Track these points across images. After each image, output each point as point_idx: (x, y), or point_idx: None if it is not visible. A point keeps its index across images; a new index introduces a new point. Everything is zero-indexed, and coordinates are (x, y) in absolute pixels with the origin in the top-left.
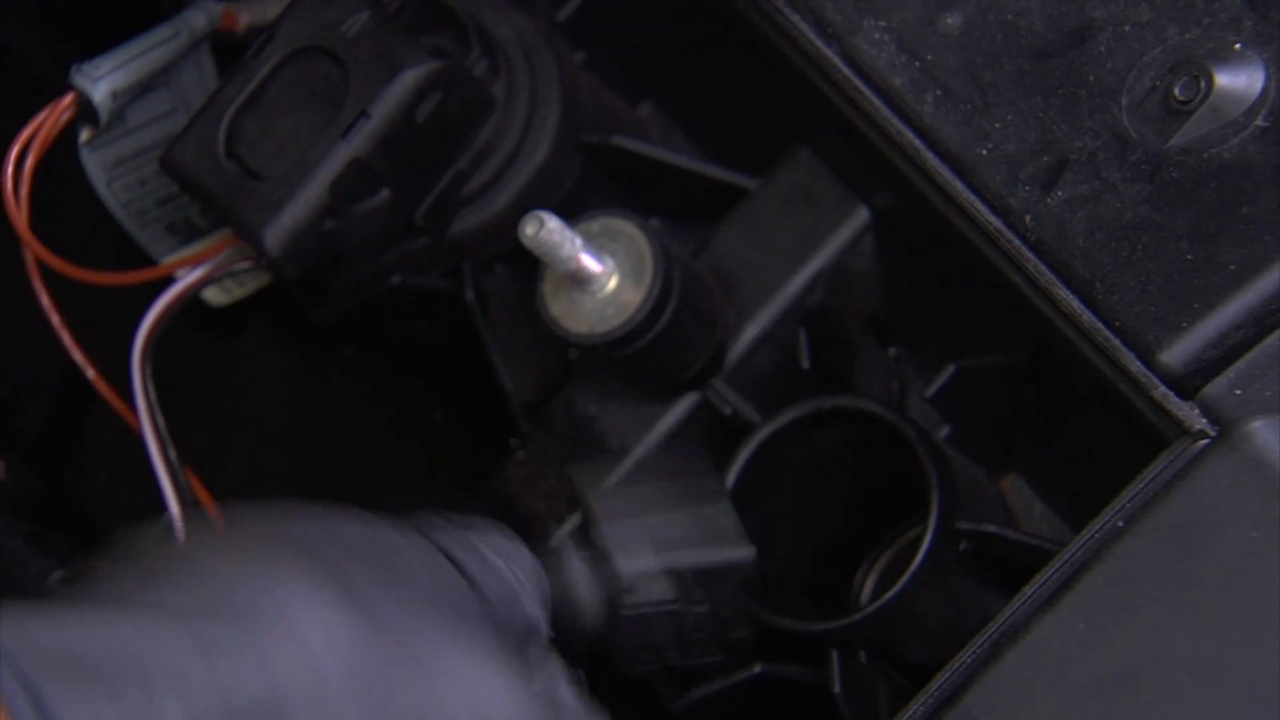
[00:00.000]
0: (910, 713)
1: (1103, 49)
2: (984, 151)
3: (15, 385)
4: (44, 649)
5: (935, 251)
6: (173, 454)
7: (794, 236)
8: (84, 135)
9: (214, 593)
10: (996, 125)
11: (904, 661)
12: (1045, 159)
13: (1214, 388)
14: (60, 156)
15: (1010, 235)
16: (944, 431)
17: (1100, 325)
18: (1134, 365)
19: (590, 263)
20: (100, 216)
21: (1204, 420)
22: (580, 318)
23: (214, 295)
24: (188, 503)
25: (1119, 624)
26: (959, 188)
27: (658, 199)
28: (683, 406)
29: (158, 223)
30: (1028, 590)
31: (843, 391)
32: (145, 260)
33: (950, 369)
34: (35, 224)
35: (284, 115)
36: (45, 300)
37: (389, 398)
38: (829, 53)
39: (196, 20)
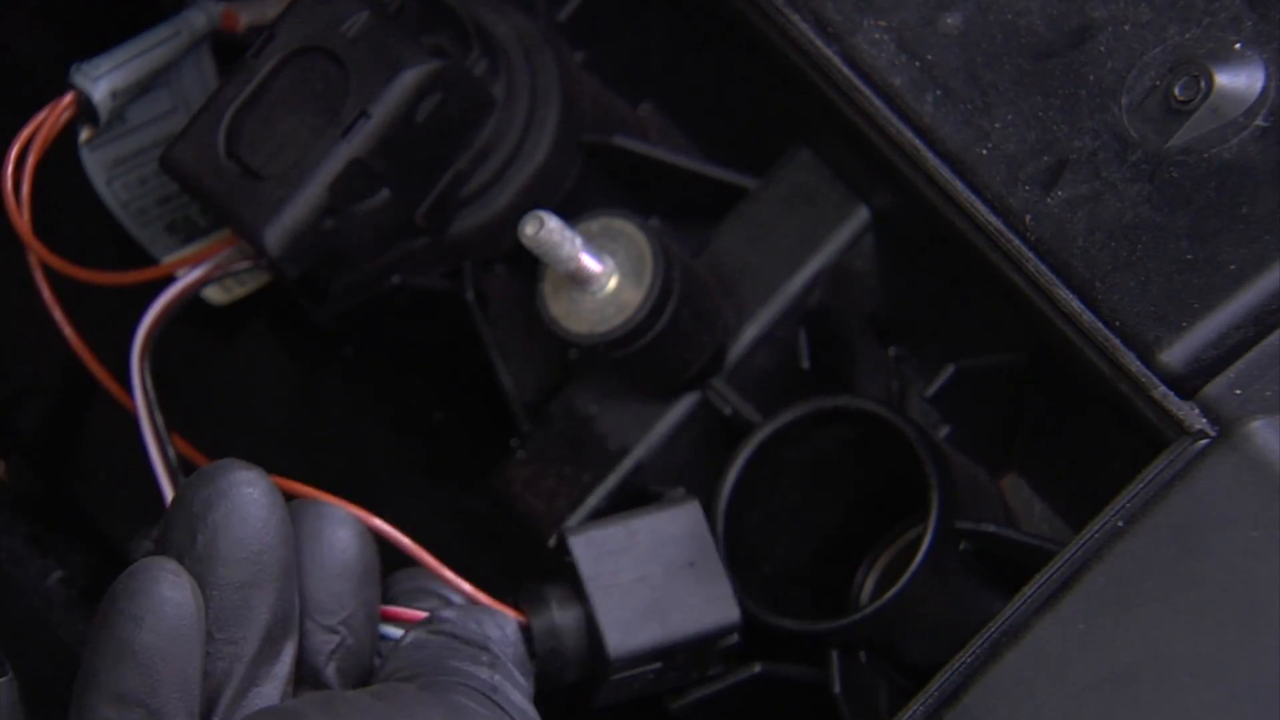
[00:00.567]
0: (910, 713)
1: (1103, 49)
2: (984, 151)
3: (15, 385)
4: None
5: (935, 251)
6: (172, 454)
7: (794, 236)
8: (84, 135)
9: None
10: (996, 125)
11: (904, 661)
12: (1045, 159)
13: (1214, 388)
14: (60, 156)
15: (1010, 235)
16: (944, 431)
17: (1100, 325)
18: (1134, 365)
19: (590, 263)
20: (100, 216)
21: (1204, 420)
22: (580, 318)
23: (214, 294)
24: None
25: (1119, 624)
26: (959, 188)
27: (658, 199)
28: (683, 406)
29: (158, 222)
30: (1028, 590)
31: (843, 391)
32: (145, 260)
33: (950, 369)
34: (35, 224)
35: (284, 115)
36: (47, 299)
37: (389, 398)
38: (829, 53)
39: (196, 20)
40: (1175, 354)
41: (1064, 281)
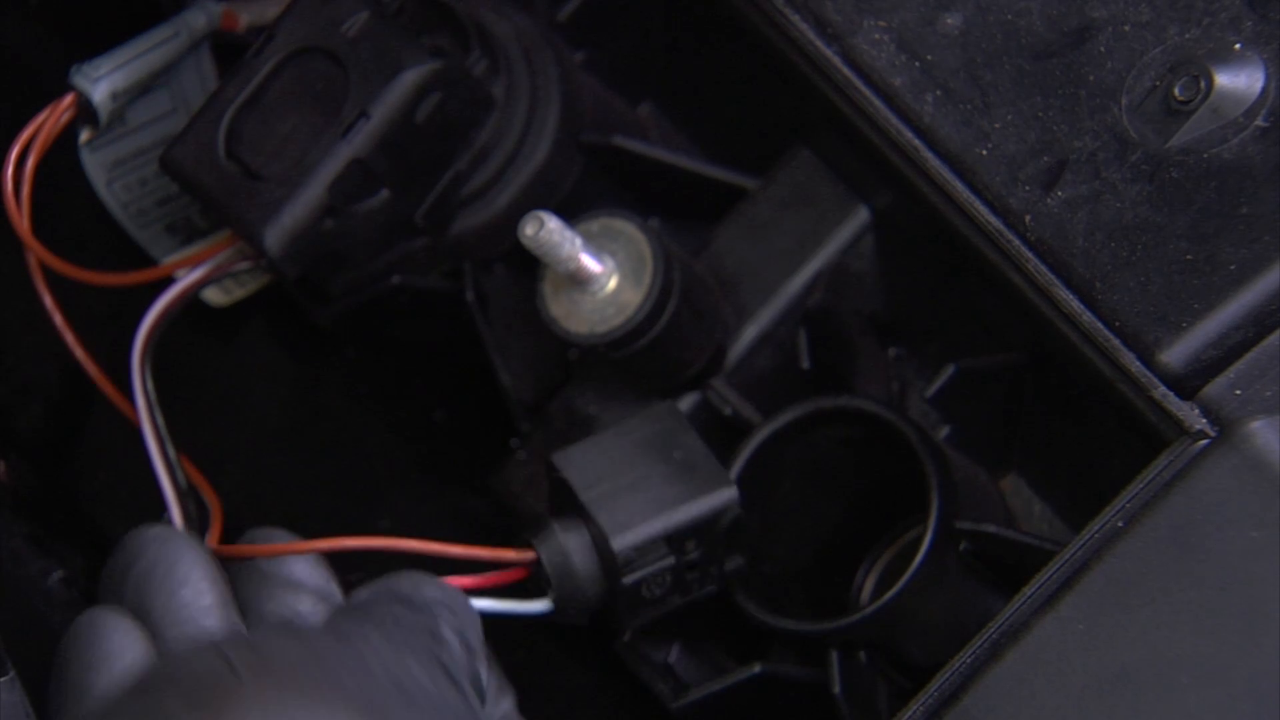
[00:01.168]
0: (910, 713)
1: (1103, 49)
2: (984, 151)
3: (15, 386)
4: None
5: (935, 252)
6: (172, 453)
7: (794, 236)
8: (84, 135)
9: None
10: (996, 125)
11: (904, 661)
12: (1045, 159)
13: (1214, 388)
14: (60, 156)
15: (1010, 235)
16: (944, 431)
17: (1100, 325)
18: (1134, 365)
19: (590, 263)
20: (100, 216)
21: (1204, 420)
22: (580, 318)
23: (214, 295)
24: (187, 503)
25: (1119, 624)
26: (959, 188)
27: (658, 199)
28: (683, 406)
29: (158, 223)
30: (1028, 590)
31: (843, 391)
32: (145, 260)
33: (950, 369)
34: (35, 224)
35: (284, 115)
36: (48, 301)
37: (389, 398)
38: (829, 53)
39: (196, 20)
40: (1175, 354)
41: (1064, 281)
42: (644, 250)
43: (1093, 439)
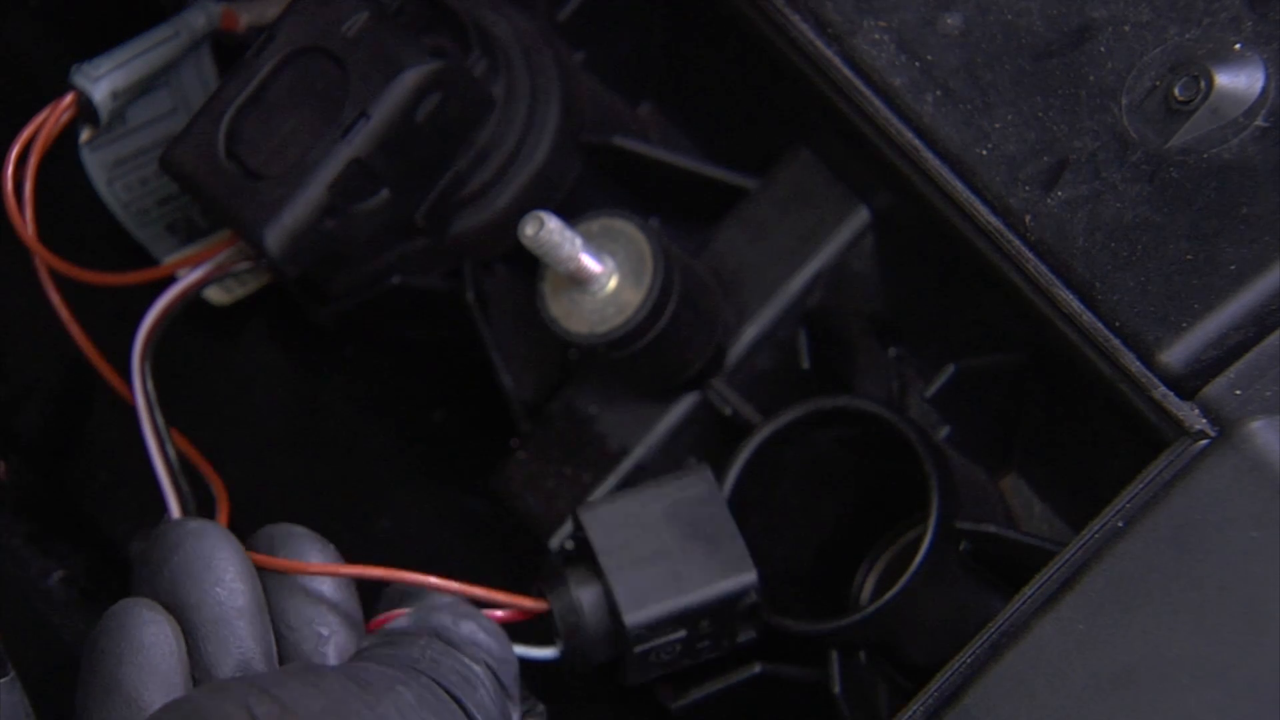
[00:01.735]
0: (910, 713)
1: (1103, 49)
2: (984, 151)
3: (16, 385)
4: None
5: (935, 251)
6: (172, 453)
7: (794, 236)
8: (84, 135)
9: None
10: (996, 125)
11: (904, 661)
12: (1045, 159)
13: (1214, 388)
14: (60, 156)
15: (1010, 235)
16: (944, 431)
17: (1100, 325)
18: (1134, 365)
19: (590, 263)
20: (100, 216)
21: (1204, 420)
22: (580, 318)
23: (215, 295)
24: (187, 501)
25: (1119, 624)
26: (959, 188)
27: (658, 199)
28: (683, 406)
29: (158, 222)
30: (1028, 590)
31: (843, 391)
32: (146, 260)
33: (950, 369)
34: (36, 224)
35: (284, 115)
36: (50, 300)
37: (389, 398)
38: (829, 53)
39: (196, 20)
40: (1175, 354)
41: (1064, 282)
42: (644, 250)
43: (1093, 439)
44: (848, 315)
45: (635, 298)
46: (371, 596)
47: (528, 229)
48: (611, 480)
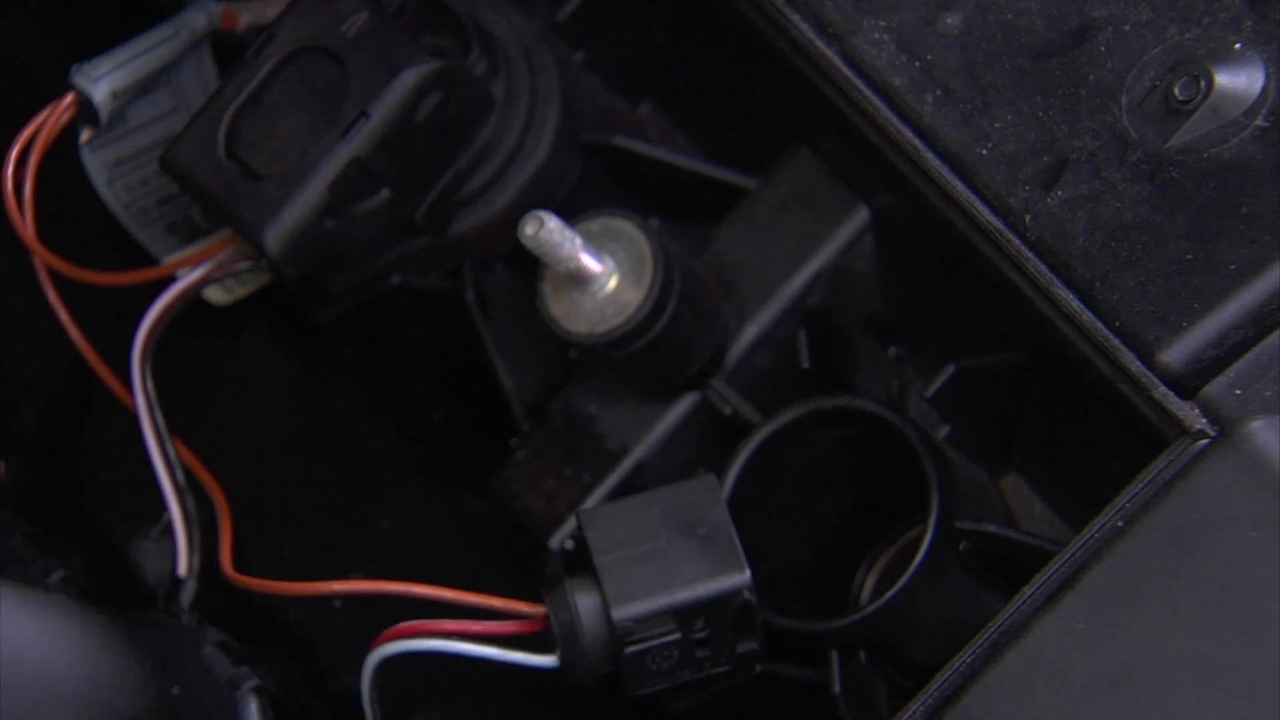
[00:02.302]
0: (910, 713)
1: (1103, 49)
2: (984, 151)
3: (16, 385)
4: None
5: (935, 251)
6: (172, 452)
7: (794, 236)
8: (84, 135)
9: None
10: (996, 125)
11: (904, 661)
12: (1045, 159)
13: (1214, 388)
14: (60, 156)
15: (1010, 235)
16: (944, 431)
17: (1100, 325)
18: (1134, 365)
19: (590, 263)
20: (100, 216)
21: (1204, 420)
22: (580, 318)
23: (215, 294)
24: (186, 501)
25: (1119, 624)
26: (959, 188)
27: (658, 199)
28: (683, 406)
29: (158, 222)
30: (1028, 590)
31: (843, 391)
32: (146, 260)
33: (950, 369)
34: (36, 224)
35: (284, 115)
36: (53, 299)
37: (389, 398)
38: (829, 53)
39: (196, 20)
40: (1175, 354)
41: (1064, 281)
42: (644, 250)
43: (1093, 439)
44: (848, 315)
45: (635, 298)
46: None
47: (528, 229)
48: (611, 480)
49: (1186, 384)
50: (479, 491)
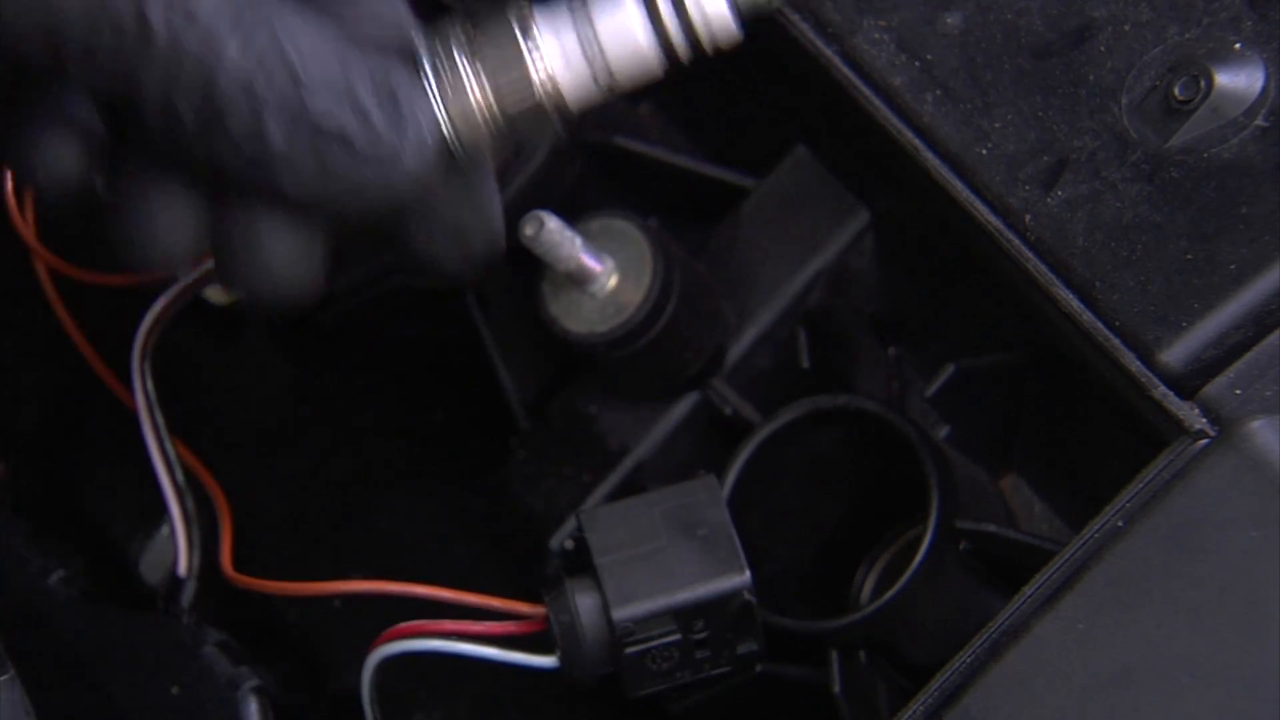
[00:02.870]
0: (910, 713)
1: (1103, 49)
2: (984, 151)
3: (16, 386)
4: None
5: (935, 251)
6: (172, 452)
7: (794, 237)
8: None
9: None
10: (996, 125)
11: (904, 661)
12: (1045, 159)
13: (1214, 388)
14: None
15: (1010, 235)
16: (944, 431)
17: (1100, 325)
18: (1134, 365)
19: (590, 263)
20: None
21: (1204, 420)
22: (580, 318)
23: (215, 295)
24: (186, 501)
25: (1119, 624)
26: (959, 188)
27: (658, 199)
28: (683, 406)
29: None
30: (1028, 590)
31: (843, 391)
32: None
33: (950, 369)
34: (36, 224)
35: None
36: (52, 301)
37: (389, 398)
38: (829, 53)
39: None
40: (1175, 354)
41: (1064, 281)
42: (644, 250)
43: (1093, 439)
44: (848, 315)
45: (635, 298)
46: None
47: (528, 229)
48: (611, 480)
49: (1186, 384)
50: (479, 491)
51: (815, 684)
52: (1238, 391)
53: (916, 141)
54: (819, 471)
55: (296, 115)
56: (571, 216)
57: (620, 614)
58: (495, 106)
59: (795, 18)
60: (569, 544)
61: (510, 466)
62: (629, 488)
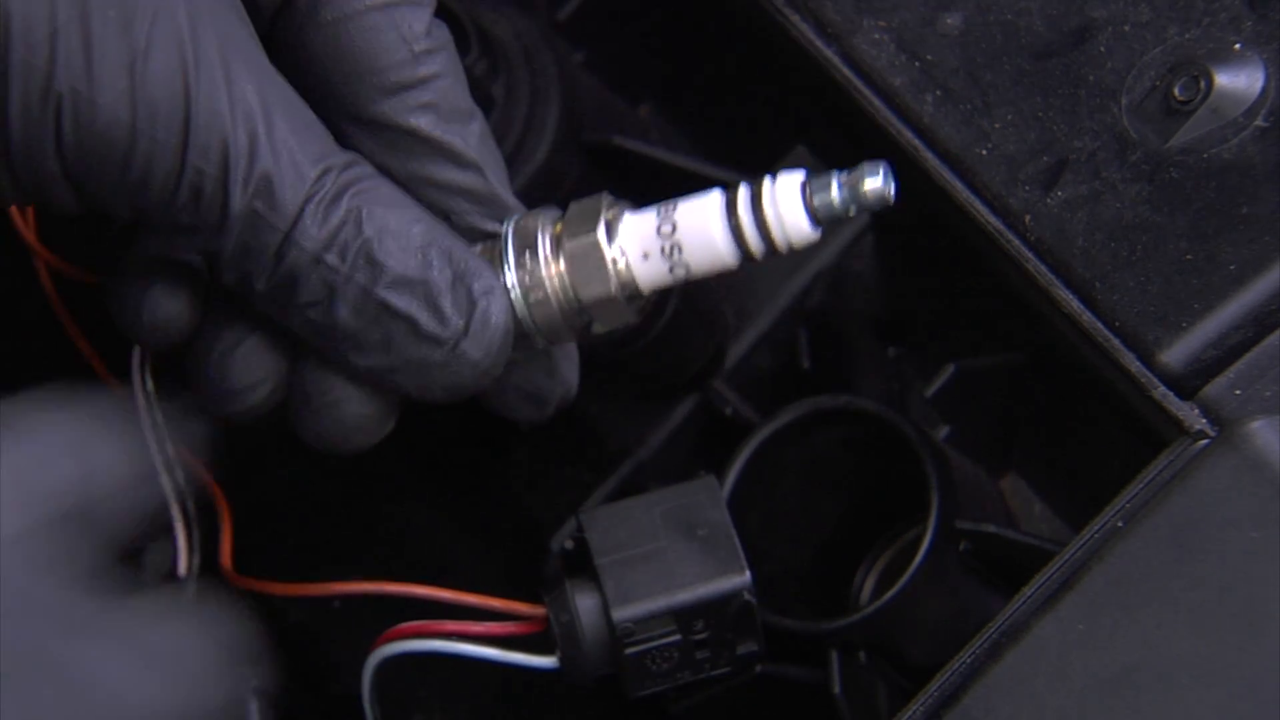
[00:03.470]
0: (910, 713)
1: (1103, 49)
2: (984, 151)
3: (16, 385)
4: None
5: (935, 252)
6: (172, 454)
7: None
8: None
9: None
10: (996, 125)
11: (904, 661)
12: (1045, 159)
13: (1214, 388)
14: None
15: (1010, 235)
16: (944, 431)
17: (1100, 325)
18: (1134, 365)
19: None
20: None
21: (1204, 420)
22: None
23: None
24: (186, 501)
25: (1119, 624)
26: (959, 188)
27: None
28: (683, 407)
29: None
30: (1028, 590)
31: (843, 391)
32: None
33: (950, 369)
34: (37, 224)
35: None
36: (52, 301)
37: None
38: (829, 53)
39: None
40: (1175, 354)
41: (1064, 281)
42: None
43: (1093, 439)
44: (848, 315)
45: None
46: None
47: None
48: (612, 480)
49: (1186, 384)
50: (479, 492)
51: (815, 684)
52: (1238, 392)
53: (916, 142)
54: (819, 471)
55: (367, 295)
56: None
57: (620, 614)
58: (574, 298)
59: (795, 18)
60: (569, 544)
61: (511, 467)
62: (629, 488)
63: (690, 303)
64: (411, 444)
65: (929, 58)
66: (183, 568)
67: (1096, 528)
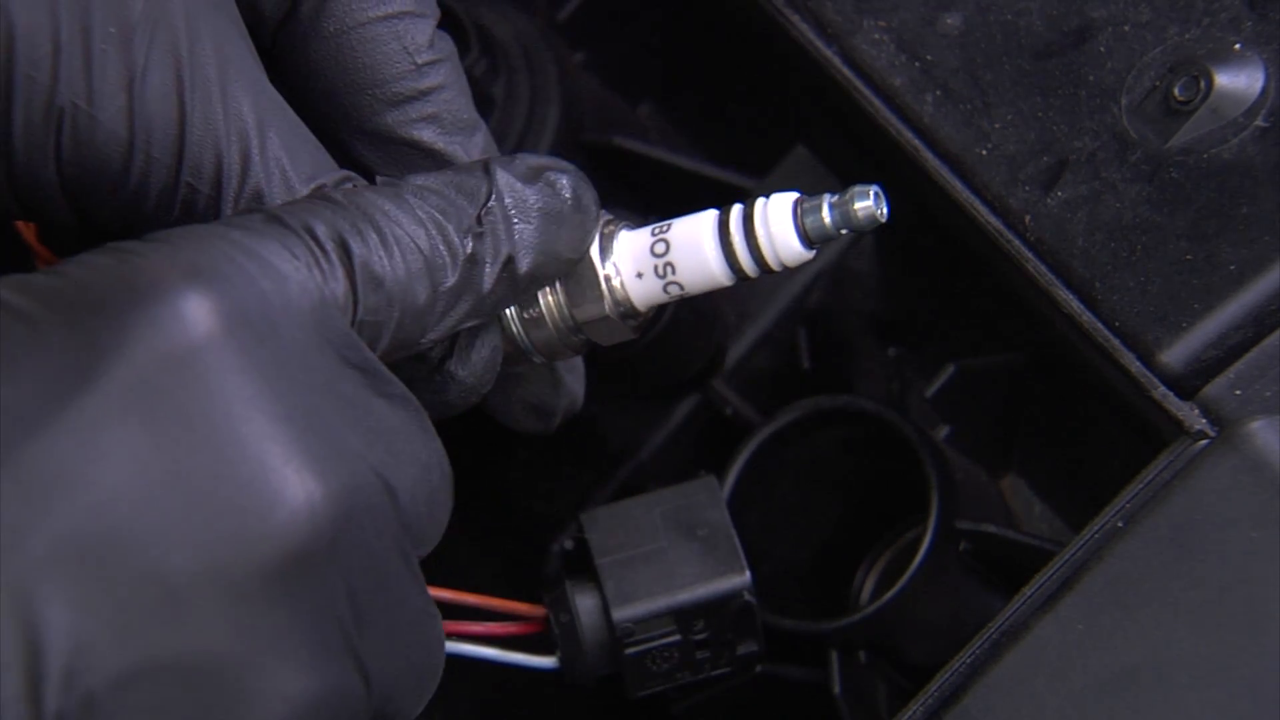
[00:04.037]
0: (910, 713)
1: (1103, 49)
2: (984, 151)
3: None
4: None
5: (935, 251)
6: None
7: None
8: None
9: None
10: (996, 125)
11: (904, 661)
12: (1045, 159)
13: (1214, 388)
14: None
15: (1010, 235)
16: (944, 431)
17: (1100, 325)
18: (1134, 365)
19: None
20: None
21: (1204, 420)
22: None
23: None
24: None
25: (1119, 624)
26: (959, 188)
27: (658, 199)
28: (683, 407)
29: None
30: (1028, 590)
31: (843, 391)
32: None
33: (950, 369)
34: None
35: None
36: None
37: None
38: (829, 53)
39: None
40: (1175, 354)
41: (1064, 282)
42: None
43: (1093, 439)
44: (848, 315)
45: None
46: None
47: None
48: (612, 481)
49: (1186, 384)
50: (479, 492)
51: (815, 684)
52: (1238, 392)
53: (916, 142)
54: (819, 471)
55: None
56: None
57: (620, 614)
58: (569, 316)
59: (795, 18)
60: (569, 544)
61: (510, 466)
62: (629, 488)
63: (690, 303)
64: None
65: (929, 58)
66: None
67: (1096, 528)
